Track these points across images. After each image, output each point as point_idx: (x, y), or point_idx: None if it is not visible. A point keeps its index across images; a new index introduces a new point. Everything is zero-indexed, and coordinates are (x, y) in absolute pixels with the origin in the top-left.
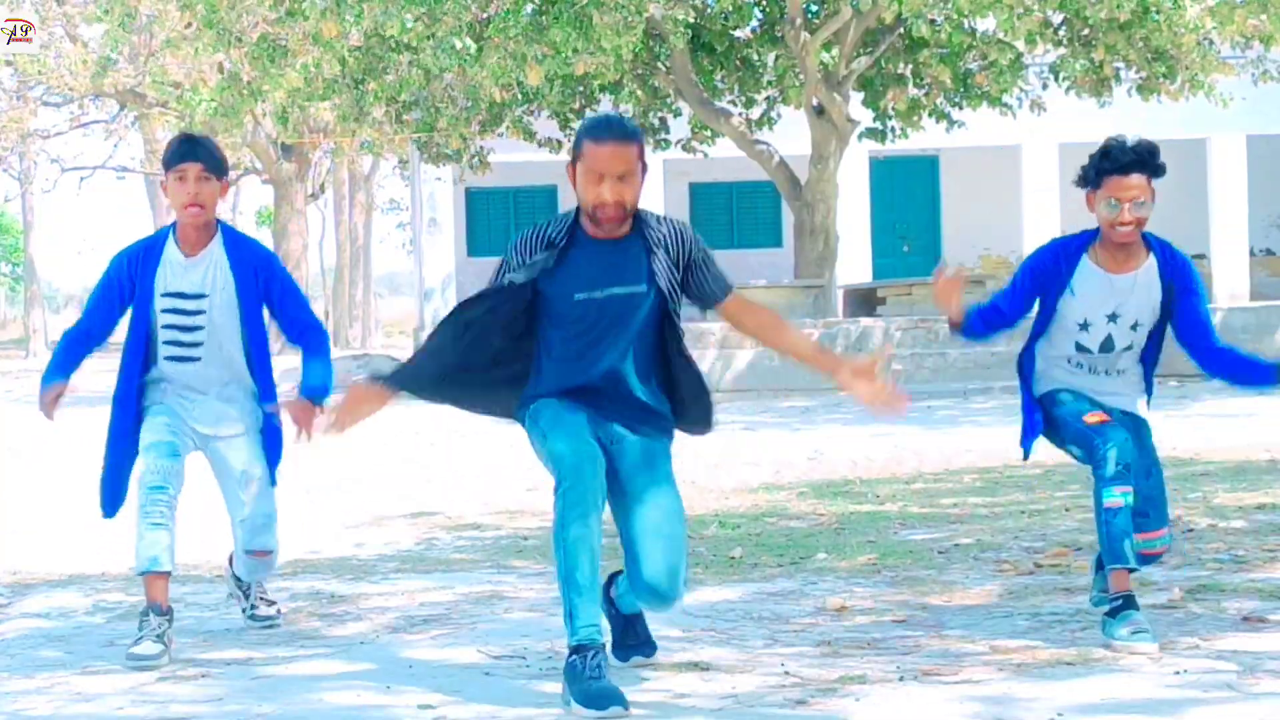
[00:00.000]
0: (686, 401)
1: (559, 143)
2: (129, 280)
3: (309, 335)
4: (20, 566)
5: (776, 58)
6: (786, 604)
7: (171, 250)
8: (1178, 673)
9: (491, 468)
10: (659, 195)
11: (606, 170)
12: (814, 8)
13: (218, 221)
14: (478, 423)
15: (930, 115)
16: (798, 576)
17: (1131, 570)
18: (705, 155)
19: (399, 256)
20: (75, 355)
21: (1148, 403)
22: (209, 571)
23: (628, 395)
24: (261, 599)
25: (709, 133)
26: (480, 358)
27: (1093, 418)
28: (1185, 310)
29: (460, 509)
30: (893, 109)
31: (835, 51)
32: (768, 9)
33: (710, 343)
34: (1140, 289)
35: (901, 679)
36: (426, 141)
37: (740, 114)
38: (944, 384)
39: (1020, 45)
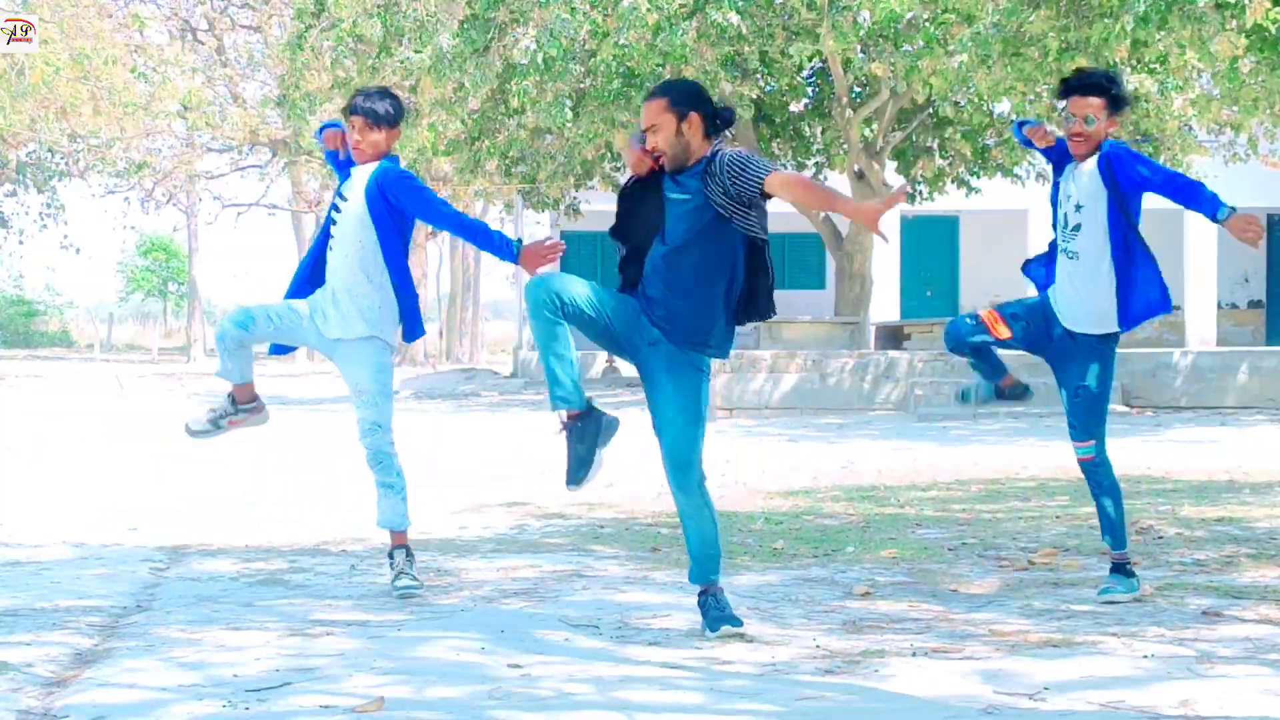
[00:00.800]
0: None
1: None
2: (341, 165)
3: (460, 219)
4: (176, 538)
5: (824, 130)
6: (819, 589)
7: (353, 169)
8: (1146, 657)
9: None
10: None
11: (644, 126)
12: (857, 89)
13: (385, 157)
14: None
15: (953, 182)
16: (829, 566)
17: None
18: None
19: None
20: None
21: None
22: (334, 545)
23: (679, 320)
24: (404, 573)
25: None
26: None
27: (985, 315)
28: (1133, 175)
29: (547, 500)
30: (921, 176)
31: (874, 126)
32: (818, 89)
33: (762, 366)
34: (1085, 175)
35: (914, 654)
36: (529, 191)
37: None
38: (957, 408)
39: None
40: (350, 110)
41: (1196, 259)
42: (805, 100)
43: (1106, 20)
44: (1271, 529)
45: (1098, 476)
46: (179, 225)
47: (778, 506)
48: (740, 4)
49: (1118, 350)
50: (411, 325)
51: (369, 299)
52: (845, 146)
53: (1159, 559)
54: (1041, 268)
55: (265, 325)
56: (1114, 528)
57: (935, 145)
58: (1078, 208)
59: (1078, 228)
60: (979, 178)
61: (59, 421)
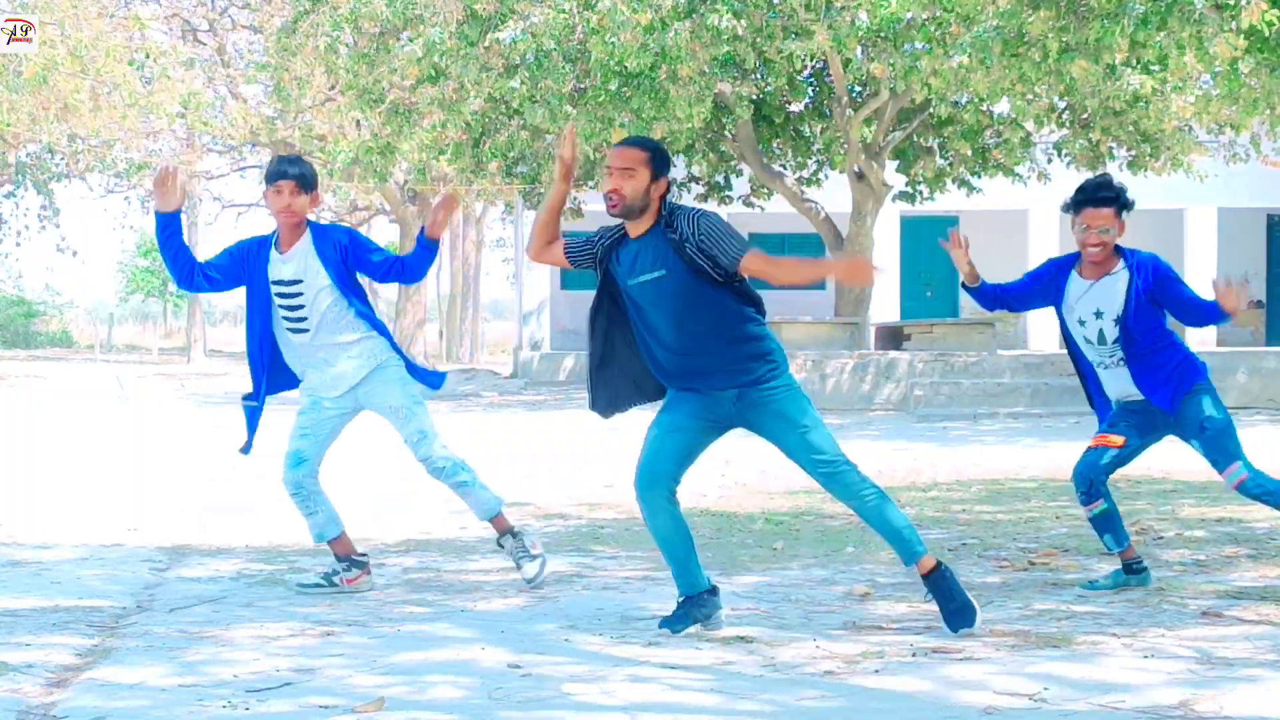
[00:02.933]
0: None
1: None
2: (243, 259)
3: (398, 264)
4: (177, 538)
5: (823, 130)
6: (820, 589)
7: (273, 250)
8: (1146, 656)
9: (575, 466)
10: None
11: (611, 163)
12: (857, 89)
13: (307, 222)
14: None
15: (953, 182)
16: (830, 566)
17: (1117, 553)
18: (763, 210)
19: (503, 286)
20: (182, 245)
21: (1196, 378)
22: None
23: (718, 360)
24: (524, 559)
25: (766, 191)
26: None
27: (1095, 440)
28: (1169, 294)
29: (548, 500)
30: (921, 176)
31: (874, 126)
32: (818, 90)
33: None
34: (1113, 289)
35: (914, 654)
36: (530, 191)
37: (793, 176)
38: (958, 409)
39: (1030, 126)
40: (275, 176)
41: (1196, 258)
42: (805, 100)
43: (1106, 21)
44: (1271, 529)
45: (1264, 484)
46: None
47: (778, 506)
48: (736, 6)
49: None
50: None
51: (358, 346)
52: (845, 147)
53: (1159, 559)
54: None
55: (312, 444)
56: None
57: (935, 145)
58: (1116, 321)
59: (1119, 339)
60: (979, 177)
61: (60, 421)
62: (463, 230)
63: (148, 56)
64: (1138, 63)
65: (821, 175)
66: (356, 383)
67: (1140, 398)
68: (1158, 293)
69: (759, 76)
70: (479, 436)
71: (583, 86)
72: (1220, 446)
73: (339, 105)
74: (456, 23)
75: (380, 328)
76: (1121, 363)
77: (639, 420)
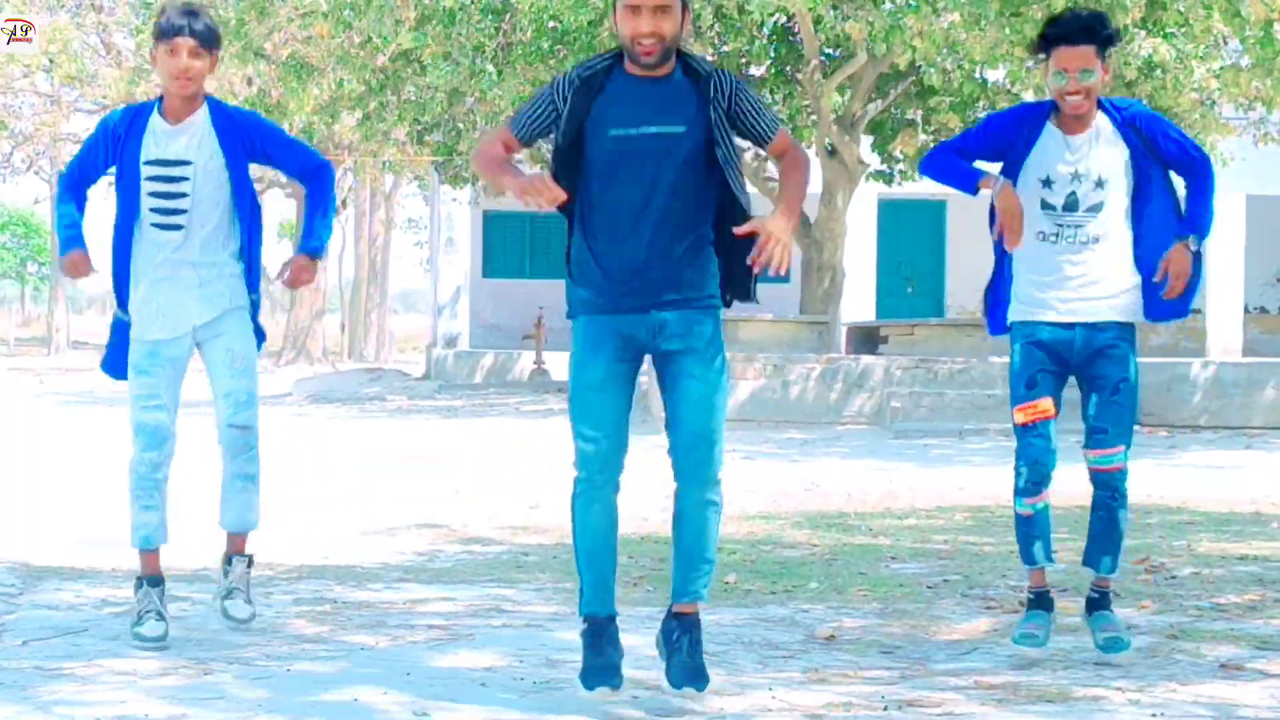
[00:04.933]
0: (735, 272)
1: None
2: (113, 142)
3: (315, 179)
4: (31, 558)
5: (789, 97)
6: (777, 630)
7: (156, 120)
8: (1154, 715)
9: (498, 483)
10: None
11: (643, 1)
12: (830, 52)
13: (205, 96)
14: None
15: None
16: (789, 604)
17: (1043, 569)
18: None
19: (415, 274)
20: (78, 207)
21: (1155, 294)
22: (216, 572)
23: (669, 275)
24: (245, 593)
25: None
26: None
27: (1022, 413)
28: (1169, 144)
29: (465, 522)
30: (902, 153)
31: (848, 95)
32: (783, 51)
33: None
34: (1102, 144)
35: (886, 708)
36: (446, 163)
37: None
38: (941, 423)
39: (1029, 96)
40: (171, 31)
41: (1220, 255)
42: (767, 63)
43: None
44: None
45: (1122, 488)
46: (41, 197)
47: (731, 534)
48: None
49: None
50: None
51: (220, 276)
52: (815, 118)
53: (1172, 602)
54: (999, 297)
55: (169, 412)
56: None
57: (919, 118)
58: (1099, 183)
59: (1097, 207)
60: None
61: None
62: (369, 207)
63: None
64: (1154, 25)
65: None
66: (201, 323)
67: (1057, 316)
68: (1164, 136)
69: (715, 36)
70: (384, 447)
71: (508, 42)
72: (1121, 419)
73: (226, 61)
74: None
75: (252, 259)
76: (1083, 242)
77: (569, 433)
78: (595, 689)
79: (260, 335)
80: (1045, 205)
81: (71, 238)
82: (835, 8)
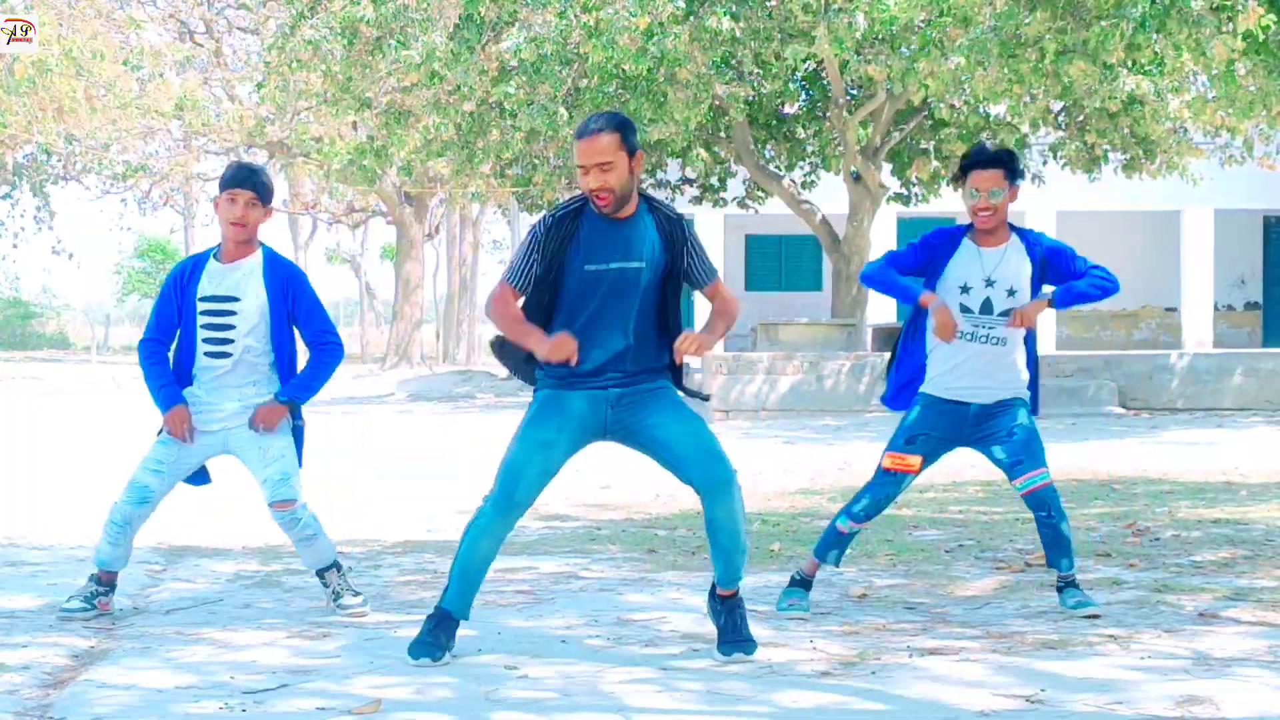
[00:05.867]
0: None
1: None
2: (178, 290)
3: (321, 347)
4: (173, 539)
5: (818, 132)
6: (815, 590)
7: (212, 263)
8: (1143, 657)
9: (571, 467)
10: (719, 244)
11: (586, 162)
12: (853, 91)
13: (261, 244)
14: None
15: (948, 184)
16: (826, 568)
17: (823, 565)
18: (758, 212)
19: None
20: (167, 365)
21: (1029, 387)
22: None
23: (629, 368)
24: (347, 590)
25: (762, 193)
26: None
27: (891, 460)
28: (1060, 266)
29: (545, 501)
30: (917, 178)
31: (870, 128)
32: (813, 91)
33: (759, 369)
34: (1010, 259)
35: (911, 655)
36: (524, 193)
37: (789, 178)
38: None
39: (1025, 128)
40: (232, 182)
41: (1193, 260)
42: (800, 102)
43: (1104, 23)
44: (1268, 530)
45: (1055, 503)
46: (176, 227)
47: (775, 508)
48: (734, 9)
49: (1113, 351)
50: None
51: (266, 384)
52: (841, 148)
53: (1155, 560)
54: (901, 388)
55: (163, 482)
56: (1071, 547)
57: (931, 147)
58: (1010, 292)
59: (1007, 313)
60: None
61: (56, 423)
62: (460, 232)
63: (141, 55)
64: (1134, 64)
65: (816, 177)
66: (233, 426)
67: (959, 394)
68: (1053, 262)
69: (754, 79)
70: (476, 438)
71: (578, 88)
72: (1030, 450)
73: (337, 112)
74: (455, 25)
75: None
76: (991, 341)
77: None
78: (419, 659)
79: (299, 435)
80: (964, 309)
81: (170, 395)
82: (858, 53)
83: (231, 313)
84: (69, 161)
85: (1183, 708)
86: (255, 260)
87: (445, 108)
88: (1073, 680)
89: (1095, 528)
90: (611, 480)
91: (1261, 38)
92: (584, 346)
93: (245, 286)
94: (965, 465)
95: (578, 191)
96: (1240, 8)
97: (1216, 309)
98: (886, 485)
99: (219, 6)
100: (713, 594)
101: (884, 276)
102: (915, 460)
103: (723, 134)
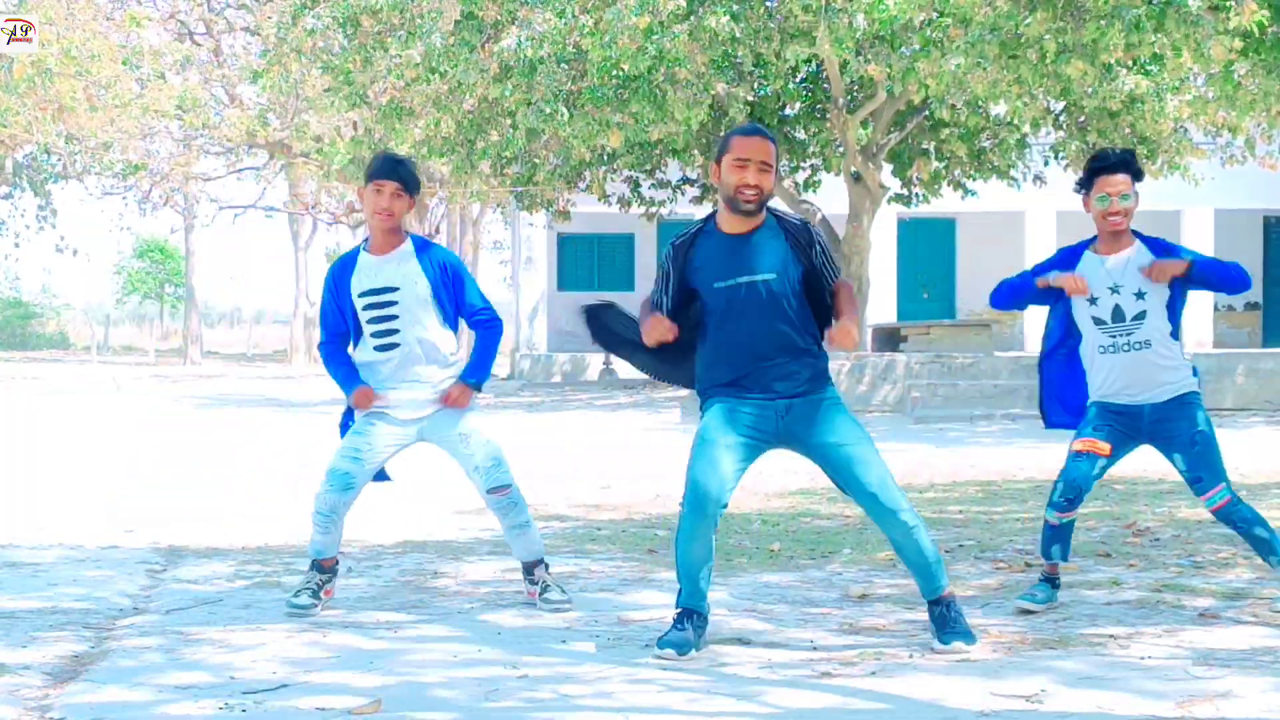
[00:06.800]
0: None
1: (629, 202)
2: (337, 289)
3: (486, 328)
4: (173, 539)
5: (819, 132)
6: (816, 590)
7: (364, 258)
8: (1143, 658)
9: (573, 467)
10: None
11: (752, 157)
12: (854, 92)
13: (407, 232)
14: (556, 429)
15: (949, 184)
16: (826, 568)
17: (1055, 563)
18: None
19: (500, 288)
20: (345, 358)
21: (1194, 376)
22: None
23: (784, 369)
24: (555, 584)
25: None
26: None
27: (1081, 444)
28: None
29: (545, 501)
30: (917, 178)
31: (870, 129)
32: (813, 92)
33: None
34: (1134, 262)
35: (911, 656)
36: (524, 193)
37: (790, 178)
38: (954, 410)
39: (1026, 128)
40: (379, 174)
41: None
42: (800, 103)
43: (1101, 22)
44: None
45: (1241, 512)
46: (176, 227)
47: (775, 508)
48: (734, 9)
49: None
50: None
51: (445, 369)
52: (841, 149)
53: (1156, 560)
54: (1067, 410)
55: (362, 470)
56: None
57: (932, 147)
58: (1139, 294)
59: (1141, 315)
60: (975, 180)
61: (55, 423)
62: (459, 232)
63: (139, 55)
64: (1134, 63)
65: (818, 178)
66: (425, 415)
67: (1129, 398)
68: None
69: (754, 79)
70: None
71: (578, 88)
72: (1208, 463)
73: (335, 105)
74: (455, 23)
75: (478, 361)
76: (1133, 346)
77: (636, 423)
78: (665, 649)
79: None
80: (1097, 321)
81: (352, 378)
82: (858, 53)
83: (393, 303)
84: (69, 161)
85: (1183, 708)
86: (407, 248)
87: (445, 105)
88: (1073, 680)
89: (1095, 527)
90: (611, 481)
91: (1259, 35)
92: (738, 359)
93: (402, 275)
94: (964, 465)
95: (579, 191)
96: (1235, 5)
97: (1216, 309)
98: (1079, 464)
99: (219, 6)
100: (930, 604)
101: (1008, 288)
102: (1105, 445)
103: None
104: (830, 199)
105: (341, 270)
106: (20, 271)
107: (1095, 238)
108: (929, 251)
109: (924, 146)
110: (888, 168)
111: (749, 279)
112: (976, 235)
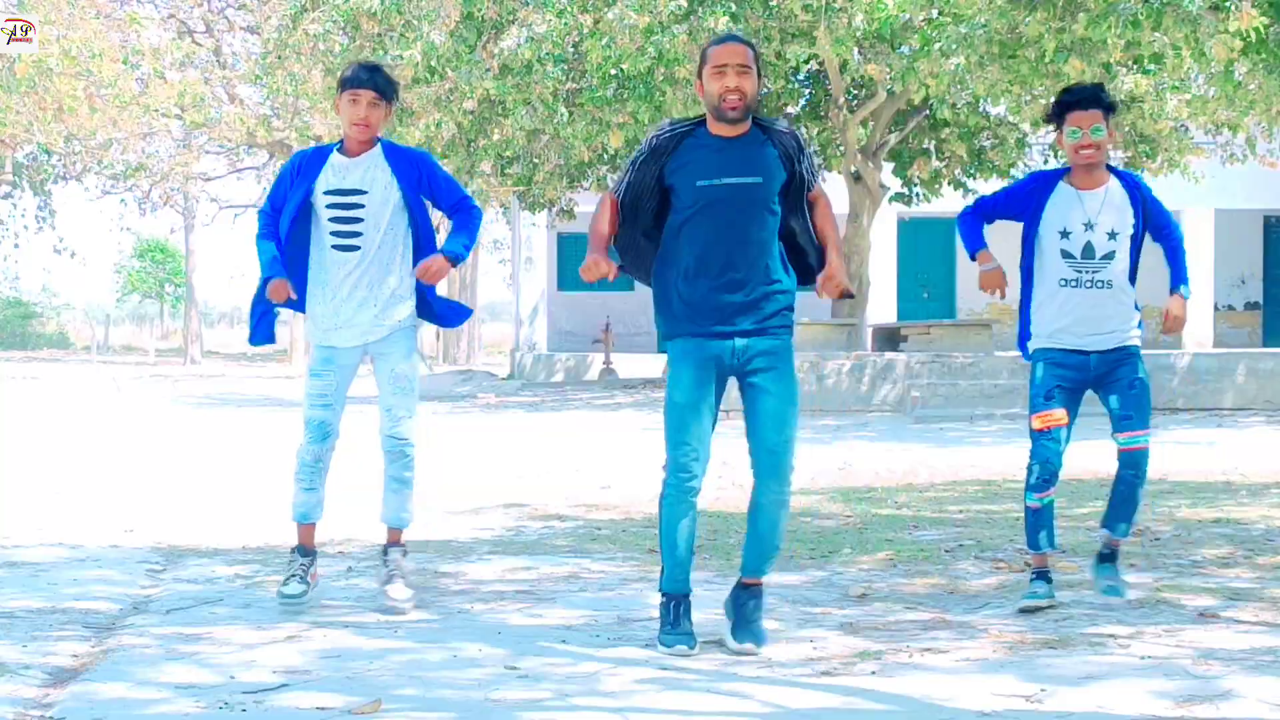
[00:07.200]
0: (813, 259)
1: None
2: (297, 175)
3: (463, 212)
4: (173, 539)
5: (819, 132)
6: (817, 591)
7: (335, 157)
8: (1143, 657)
9: (572, 467)
10: None
11: (729, 61)
12: (853, 91)
13: (377, 138)
14: (556, 428)
15: (949, 184)
16: (827, 568)
17: (1046, 554)
18: None
19: (500, 288)
20: (277, 243)
21: (1139, 327)
22: (331, 547)
23: (745, 306)
24: (399, 579)
25: None
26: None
27: (1039, 420)
28: (1157, 218)
29: (545, 501)
30: (917, 178)
31: (870, 128)
32: (814, 91)
33: None
34: (1111, 201)
35: (910, 656)
36: (525, 192)
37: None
38: (954, 410)
39: (1025, 127)
40: (354, 82)
41: (1193, 261)
42: (801, 102)
43: (1097, 20)
44: (1268, 530)
45: (1144, 466)
46: (176, 227)
47: None
48: (734, 9)
49: None
50: (446, 313)
51: (393, 297)
52: (841, 148)
53: (1156, 560)
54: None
55: (335, 412)
56: (1135, 514)
57: (932, 147)
58: (1111, 235)
59: (1110, 255)
60: (975, 179)
61: (55, 422)
62: None
63: (139, 54)
64: (1134, 62)
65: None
66: (374, 340)
67: (1075, 340)
68: (1153, 211)
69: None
70: (477, 437)
71: (577, 87)
72: (1140, 407)
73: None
74: (455, 22)
75: (418, 286)
76: (1096, 285)
77: (636, 423)
78: (672, 646)
79: (457, 313)
80: (1065, 254)
81: (273, 269)
82: (859, 53)
83: (359, 205)
84: (69, 161)
85: (1183, 708)
86: (377, 153)
87: (447, 105)
88: (1073, 680)
89: (1095, 528)
90: (610, 480)
91: (1259, 36)
92: (710, 265)
93: (372, 178)
94: (965, 464)
95: (576, 190)
96: (1235, 8)
97: (1217, 309)
98: (1046, 444)
99: (219, 5)
100: (738, 585)
101: (967, 223)
102: (1060, 413)
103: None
104: (830, 198)
105: (309, 163)
106: (20, 271)
107: (1066, 169)
108: (929, 251)
109: (924, 146)
110: (888, 167)
111: (734, 180)
112: None
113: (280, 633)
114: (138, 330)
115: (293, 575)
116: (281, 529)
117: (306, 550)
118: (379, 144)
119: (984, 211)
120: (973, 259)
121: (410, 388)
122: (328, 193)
